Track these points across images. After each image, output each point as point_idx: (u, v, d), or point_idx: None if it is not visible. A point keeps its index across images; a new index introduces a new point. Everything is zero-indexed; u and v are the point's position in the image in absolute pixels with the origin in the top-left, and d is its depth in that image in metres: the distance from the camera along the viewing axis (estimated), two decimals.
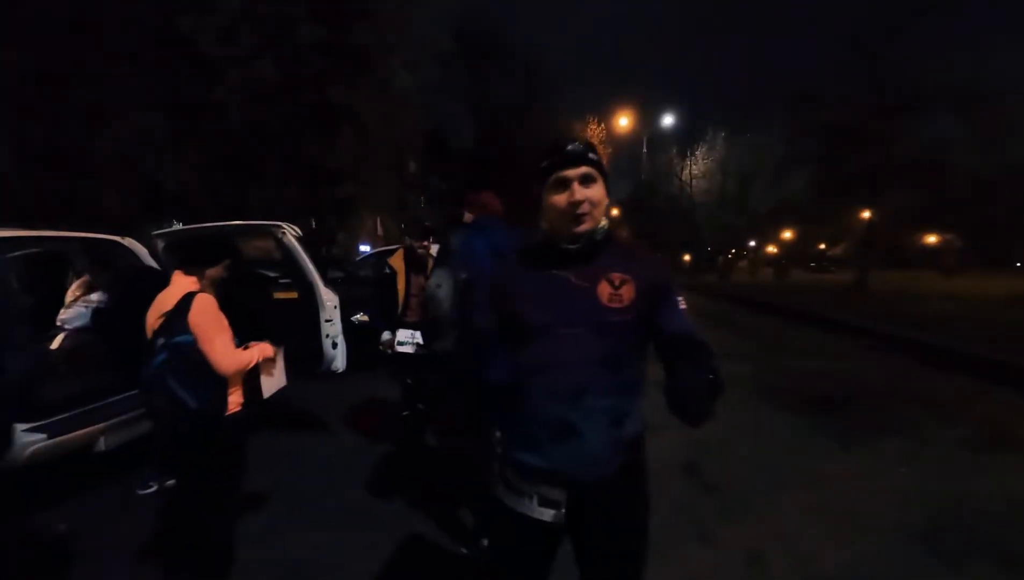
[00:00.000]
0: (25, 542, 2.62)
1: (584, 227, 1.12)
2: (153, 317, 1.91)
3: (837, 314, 9.69)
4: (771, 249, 44.54)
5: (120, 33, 8.10)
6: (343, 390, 4.87)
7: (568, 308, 1.11)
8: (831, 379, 5.61)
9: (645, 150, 31.67)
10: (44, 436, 2.67)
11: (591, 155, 1.14)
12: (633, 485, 1.18)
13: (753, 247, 41.31)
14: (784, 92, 17.83)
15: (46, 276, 4.18)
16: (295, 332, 3.48)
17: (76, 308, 3.65)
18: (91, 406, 2.97)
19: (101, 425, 2.93)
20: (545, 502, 1.13)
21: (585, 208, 1.11)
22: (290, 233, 3.32)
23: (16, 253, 3.66)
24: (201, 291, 1.96)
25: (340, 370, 3.66)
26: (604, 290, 1.11)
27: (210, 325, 1.90)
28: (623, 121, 29.35)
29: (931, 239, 37.04)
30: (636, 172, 35.62)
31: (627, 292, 1.12)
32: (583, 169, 1.12)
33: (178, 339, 1.83)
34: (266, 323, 3.29)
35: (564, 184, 1.12)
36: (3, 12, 7.52)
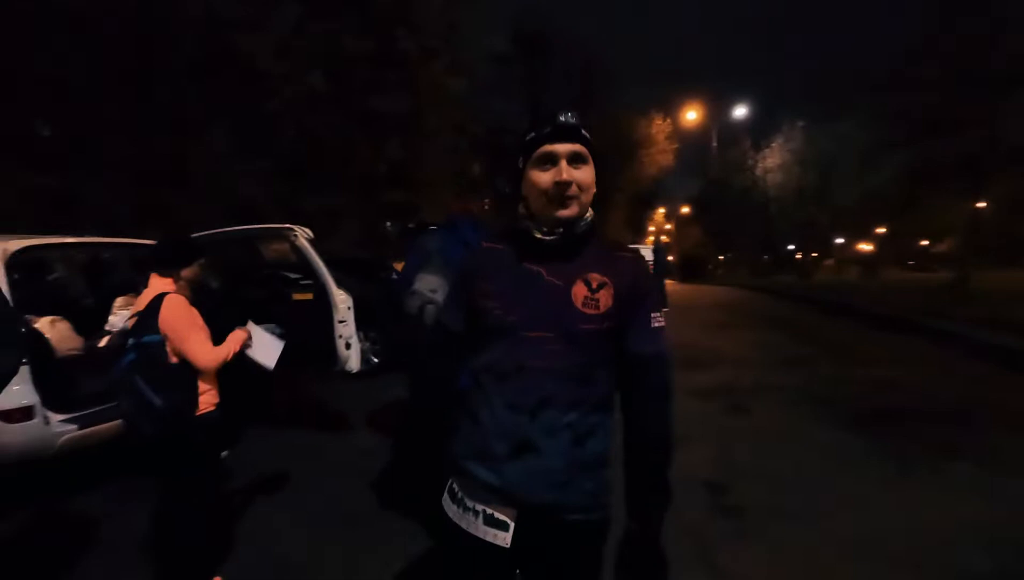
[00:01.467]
0: (45, 528, 2.84)
1: (568, 212, 0.99)
2: (129, 318, 1.98)
3: (924, 317, 8.58)
4: (863, 246, 40.66)
5: (186, 53, 8.88)
6: (369, 391, 4.96)
7: (535, 308, 0.99)
8: (900, 391, 4.92)
9: (715, 144, 30.17)
10: (75, 427, 2.91)
11: (584, 131, 1.01)
12: (592, 512, 1.03)
13: (841, 244, 37.97)
14: (868, 75, 16.13)
15: (111, 279, 4.61)
16: (310, 332, 3.57)
17: (125, 311, 3.97)
18: None
19: None
20: (491, 522, 1.01)
21: (573, 190, 0.98)
22: (302, 236, 3.41)
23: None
24: (176, 292, 2.02)
25: (354, 370, 3.71)
26: (579, 292, 0.99)
27: (182, 324, 1.94)
28: (691, 115, 28.13)
29: None
30: (705, 168, 34.05)
31: (604, 297, 0.99)
32: (574, 146, 0.99)
33: (146, 339, 1.89)
34: (281, 323, 3.40)
35: (551, 160, 0.99)
36: (84, 34, 8.45)
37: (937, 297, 12.04)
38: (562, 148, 0.98)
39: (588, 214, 1.04)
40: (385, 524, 2.71)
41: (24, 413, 2.71)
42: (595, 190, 1.04)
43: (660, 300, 1.06)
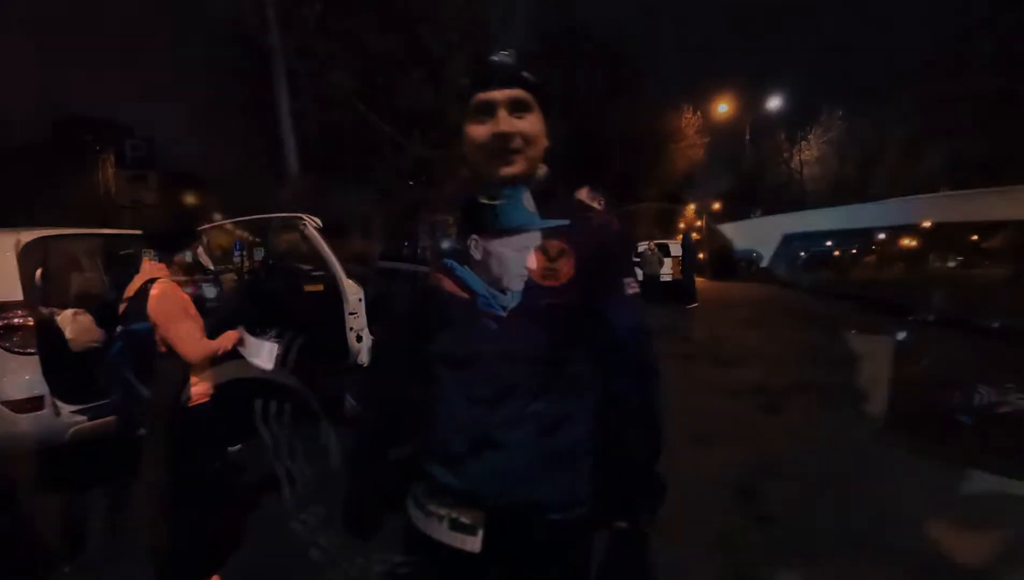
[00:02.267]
0: (41, 525, 2.79)
1: (512, 169, 0.86)
2: (120, 304, 1.91)
3: (977, 315, 7.99)
4: (907, 242, 38.84)
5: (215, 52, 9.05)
6: None
7: (488, 284, 0.86)
8: (954, 392, 4.52)
9: (748, 137, 29.29)
10: (85, 418, 2.90)
11: (526, 73, 0.86)
12: (571, 510, 0.88)
13: (882, 240, 36.42)
14: (916, 59, 15.26)
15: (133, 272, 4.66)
16: (321, 324, 3.49)
17: None
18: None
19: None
20: (458, 526, 0.88)
21: (516, 143, 0.84)
22: (311, 225, 3.33)
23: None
24: (169, 278, 1.93)
25: (365, 364, 3.62)
26: (536, 262, 0.85)
27: (171, 312, 1.85)
28: (722, 108, 27.32)
29: None
30: (738, 162, 33.17)
31: (565, 266, 0.84)
32: (514, 92, 0.85)
33: (133, 327, 1.81)
34: (293, 315, 3.33)
35: (487, 110, 0.85)
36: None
37: (989, 293, 11.30)
38: (499, 95, 0.84)
39: (541, 171, 0.91)
40: (395, 527, 2.58)
41: (34, 403, 2.71)
42: (546, 143, 0.89)
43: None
